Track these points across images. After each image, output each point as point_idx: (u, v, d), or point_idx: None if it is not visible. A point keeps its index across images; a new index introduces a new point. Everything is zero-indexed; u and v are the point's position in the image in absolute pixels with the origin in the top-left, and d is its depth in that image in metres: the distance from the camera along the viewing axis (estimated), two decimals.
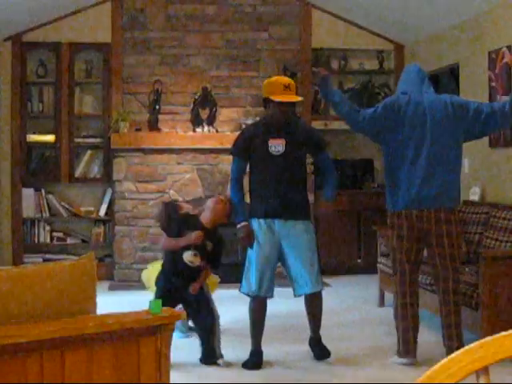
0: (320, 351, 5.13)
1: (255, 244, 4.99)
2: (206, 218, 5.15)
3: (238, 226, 5.05)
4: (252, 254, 5.02)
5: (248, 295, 5.06)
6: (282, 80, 5.19)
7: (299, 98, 5.31)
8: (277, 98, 4.98)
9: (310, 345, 5.21)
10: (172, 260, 5.14)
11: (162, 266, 5.28)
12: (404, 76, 5.28)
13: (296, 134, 5.10)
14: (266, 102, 5.10)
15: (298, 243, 5.01)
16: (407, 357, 5.00)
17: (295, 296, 5.14)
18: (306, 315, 5.21)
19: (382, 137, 5.08)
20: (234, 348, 5.26)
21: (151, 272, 5.91)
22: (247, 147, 5.09)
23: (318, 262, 5.11)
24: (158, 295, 4.98)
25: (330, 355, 5.09)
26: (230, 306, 6.14)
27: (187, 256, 5.01)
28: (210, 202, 5.23)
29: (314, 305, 5.14)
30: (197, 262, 5.03)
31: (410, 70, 5.26)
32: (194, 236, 4.98)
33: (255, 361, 4.97)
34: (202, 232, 5.00)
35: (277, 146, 5.01)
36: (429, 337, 5.80)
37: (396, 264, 5.06)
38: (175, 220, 5.34)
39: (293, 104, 5.23)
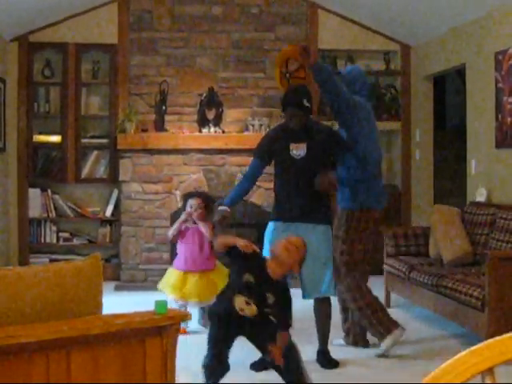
0: (328, 363, 5.09)
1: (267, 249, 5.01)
2: (272, 266, 4.09)
3: (219, 207, 5.09)
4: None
5: None
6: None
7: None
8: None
9: (318, 358, 5.14)
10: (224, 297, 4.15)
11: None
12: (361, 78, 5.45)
13: (317, 138, 5.10)
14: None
15: (316, 247, 5.00)
16: (396, 328, 5.17)
17: (304, 298, 5.15)
18: (315, 323, 5.20)
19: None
20: (242, 348, 5.25)
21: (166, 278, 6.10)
22: (268, 150, 5.13)
23: (332, 267, 5.13)
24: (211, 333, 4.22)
25: (338, 365, 5.08)
26: None
27: (239, 302, 3.98)
28: (277, 248, 4.17)
29: (322, 309, 5.14)
30: (248, 312, 3.99)
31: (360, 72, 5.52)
32: (242, 242, 4.12)
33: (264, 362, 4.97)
34: (252, 247, 4.13)
35: (298, 149, 5.02)
36: (429, 335, 5.80)
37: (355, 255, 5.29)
38: (236, 256, 4.13)
39: (306, 108, 5.15)
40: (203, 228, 5.96)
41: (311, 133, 5.10)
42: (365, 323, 5.29)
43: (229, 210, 5.07)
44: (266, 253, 4.97)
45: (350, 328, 5.54)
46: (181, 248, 6.10)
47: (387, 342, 5.18)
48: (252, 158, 5.27)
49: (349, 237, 5.30)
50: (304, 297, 5.11)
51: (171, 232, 6.12)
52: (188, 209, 6.00)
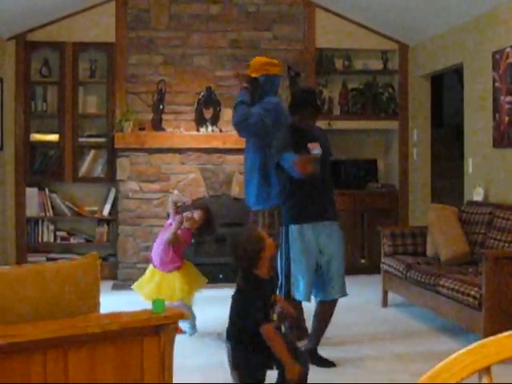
0: (322, 361, 5.10)
1: (298, 252, 5.03)
2: (264, 269, 3.94)
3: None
4: (297, 261, 5.06)
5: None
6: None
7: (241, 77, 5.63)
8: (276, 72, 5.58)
9: (311, 358, 5.11)
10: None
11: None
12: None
13: (322, 138, 5.19)
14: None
15: (334, 246, 5.07)
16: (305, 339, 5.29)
17: (318, 301, 5.19)
18: (314, 321, 5.20)
19: None
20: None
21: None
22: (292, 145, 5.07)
23: (344, 267, 5.19)
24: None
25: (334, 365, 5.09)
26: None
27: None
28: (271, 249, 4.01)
29: (328, 311, 5.16)
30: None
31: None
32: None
33: None
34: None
35: (315, 149, 5.02)
36: (426, 334, 5.81)
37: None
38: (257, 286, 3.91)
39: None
40: (177, 228, 5.77)
41: (318, 133, 5.20)
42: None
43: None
44: (294, 255, 5.00)
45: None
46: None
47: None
48: (283, 154, 5.04)
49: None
50: (329, 297, 5.11)
51: (170, 237, 5.80)
52: (188, 214, 5.85)
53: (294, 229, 5.08)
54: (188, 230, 5.85)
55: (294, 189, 5.08)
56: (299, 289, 5.02)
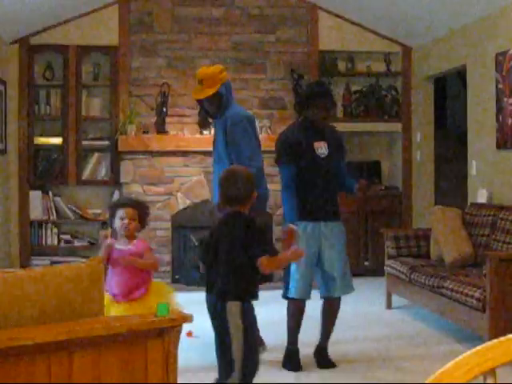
0: (325, 361, 5.13)
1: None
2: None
3: (289, 224, 4.90)
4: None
5: (286, 298, 5.11)
6: (197, 75, 5.43)
7: (209, 93, 5.30)
8: (193, 95, 5.50)
9: (316, 354, 5.18)
10: None
11: None
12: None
13: (332, 137, 5.15)
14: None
15: (336, 245, 5.06)
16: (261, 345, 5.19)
17: (321, 298, 5.18)
18: (321, 320, 5.21)
19: None
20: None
21: None
22: (294, 152, 5.01)
23: (349, 264, 5.20)
24: None
25: (335, 366, 5.09)
26: None
27: None
28: None
29: (333, 309, 5.17)
30: None
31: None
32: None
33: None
34: None
35: (321, 148, 5.01)
36: (430, 337, 5.81)
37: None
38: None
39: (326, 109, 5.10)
40: (133, 246, 4.53)
41: (327, 131, 5.13)
42: None
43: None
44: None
45: None
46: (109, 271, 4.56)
47: None
48: (280, 166, 5.11)
49: None
50: (331, 295, 5.12)
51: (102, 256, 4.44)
52: (117, 222, 4.52)
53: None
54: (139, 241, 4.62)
55: (295, 187, 5.07)
56: (295, 286, 5.00)
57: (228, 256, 3.76)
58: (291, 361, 5.06)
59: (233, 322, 3.69)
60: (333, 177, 5.12)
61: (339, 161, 5.18)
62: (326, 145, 5.03)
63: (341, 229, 5.15)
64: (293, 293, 5.02)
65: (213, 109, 5.40)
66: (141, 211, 4.59)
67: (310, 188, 5.03)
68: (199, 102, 5.50)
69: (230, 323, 3.68)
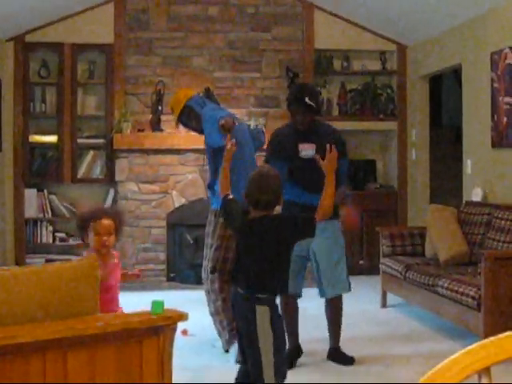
0: (342, 359, 5.14)
1: None
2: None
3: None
4: None
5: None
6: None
7: (176, 121, 5.72)
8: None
9: (330, 356, 5.20)
10: None
11: None
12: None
13: (324, 140, 5.05)
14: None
15: (328, 245, 5.03)
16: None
17: (321, 297, 5.20)
18: (328, 321, 5.24)
19: None
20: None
21: None
22: (280, 150, 5.07)
23: (344, 263, 5.15)
24: None
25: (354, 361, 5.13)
26: None
27: None
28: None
29: (331, 309, 5.18)
30: None
31: None
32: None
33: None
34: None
35: (307, 150, 4.97)
36: (425, 335, 5.82)
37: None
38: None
39: (309, 106, 5.05)
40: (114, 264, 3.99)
41: (319, 134, 5.06)
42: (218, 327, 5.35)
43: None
44: None
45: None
46: None
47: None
48: (269, 164, 5.01)
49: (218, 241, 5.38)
50: (327, 295, 5.14)
51: None
52: (92, 237, 3.90)
53: None
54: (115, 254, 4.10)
55: (287, 186, 5.05)
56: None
57: (276, 256, 3.67)
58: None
59: (261, 327, 3.64)
60: (320, 178, 5.03)
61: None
62: (313, 147, 4.92)
63: (335, 228, 5.08)
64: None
65: (195, 124, 5.58)
66: (117, 222, 3.98)
67: (293, 190, 5.00)
68: (185, 126, 5.81)
69: (259, 327, 3.61)
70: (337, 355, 5.17)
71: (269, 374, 3.56)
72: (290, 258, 3.73)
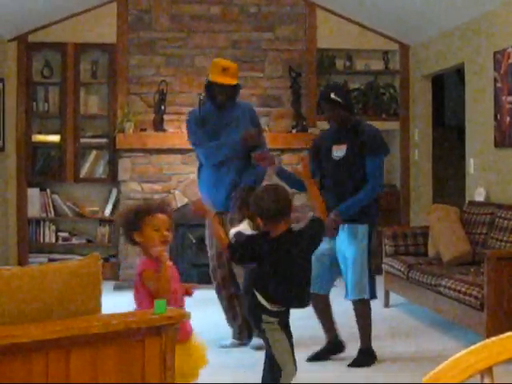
0: (367, 360, 5.16)
1: None
2: None
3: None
4: None
5: None
6: (221, 62, 5.56)
7: (233, 82, 5.53)
8: (212, 79, 5.38)
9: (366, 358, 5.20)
10: None
11: None
12: None
13: (357, 139, 5.05)
14: (207, 83, 5.51)
15: (351, 250, 5.00)
16: None
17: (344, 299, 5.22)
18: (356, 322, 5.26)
19: None
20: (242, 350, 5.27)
21: None
22: (316, 151, 5.23)
23: (367, 269, 5.07)
24: None
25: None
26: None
27: None
28: None
29: (357, 310, 5.19)
30: None
31: None
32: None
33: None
34: None
35: (338, 151, 5.02)
36: (427, 335, 5.81)
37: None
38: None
39: (335, 102, 5.06)
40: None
41: (352, 133, 5.06)
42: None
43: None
44: None
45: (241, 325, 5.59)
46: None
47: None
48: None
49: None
50: (348, 297, 5.17)
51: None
52: (150, 234, 3.52)
53: None
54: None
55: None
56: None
57: (304, 268, 3.82)
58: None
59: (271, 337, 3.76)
60: (349, 179, 5.02)
61: (356, 161, 5.04)
62: (344, 147, 5.00)
63: (354, 232, 5.00)
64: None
65: (224, 98, 5.55)
66: (171, 217, 3.57)
67: (324, 191, 4.97)
68: (216, 86, 5.54)
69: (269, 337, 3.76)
70: (357, 356, 5.16)
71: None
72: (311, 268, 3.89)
